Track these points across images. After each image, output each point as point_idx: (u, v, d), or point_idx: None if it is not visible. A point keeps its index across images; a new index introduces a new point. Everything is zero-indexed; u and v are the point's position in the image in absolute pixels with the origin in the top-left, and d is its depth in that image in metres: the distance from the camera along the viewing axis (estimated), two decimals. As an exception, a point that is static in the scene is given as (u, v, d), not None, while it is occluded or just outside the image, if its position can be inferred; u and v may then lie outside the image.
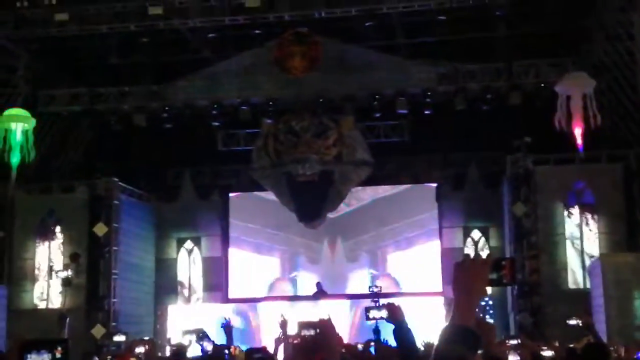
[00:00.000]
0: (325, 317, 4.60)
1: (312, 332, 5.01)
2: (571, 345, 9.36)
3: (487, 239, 21.53)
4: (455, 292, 2.43)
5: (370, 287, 16.60)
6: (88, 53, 20.77)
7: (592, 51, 19.65)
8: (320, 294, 20.44)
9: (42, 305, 20.22)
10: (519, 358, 7.96)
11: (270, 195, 20.86)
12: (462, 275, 2.43)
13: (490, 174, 21.25)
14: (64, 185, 20.81)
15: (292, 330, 6.76)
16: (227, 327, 7.12)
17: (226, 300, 21.88)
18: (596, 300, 16.81)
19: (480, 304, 2.42)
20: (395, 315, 4.56)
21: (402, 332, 4.42)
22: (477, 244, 21.61)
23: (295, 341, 6.67)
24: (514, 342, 10.03)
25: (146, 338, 15.24)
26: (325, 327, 4.19)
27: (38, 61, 20.91)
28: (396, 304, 4.77)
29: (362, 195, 22.03)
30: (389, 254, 21.77)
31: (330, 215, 20.84)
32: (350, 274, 21.73)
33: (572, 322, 10.28)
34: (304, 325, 5.24)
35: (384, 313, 4.81)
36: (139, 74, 20.69)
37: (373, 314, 5.66)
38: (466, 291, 2.41)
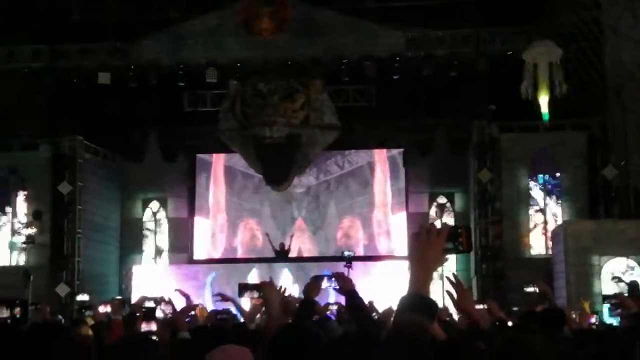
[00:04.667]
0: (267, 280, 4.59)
1: (255, 295, 5.00)
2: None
3: (452, 205, 21.70)
4: (412, 262, 2.46)
5: (343, 252, 16.69)
6: (49, 9, 20.25)
7: (558, 20, 19.69)
8: (284, 255, 20.38)
9: (4, 262, 20.06)
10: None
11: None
12: (418, 246, 2.46)
13: (457, 140, 21.31)
14: (26, 143, 20.50)
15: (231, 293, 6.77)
16: (181, 292, 7.15)
17: (191, 261, 21.86)
18: (558, 266, 17.11)
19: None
20: (343, 286, 4.56)
21: (355, 302, 4.44)
22: (443, 209, 21.76)
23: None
24: (480, 307, 10.09)
25: (119, 297, 15.11)
26: (266, 289, 4.18)
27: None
28: (345, 275, 4.78)
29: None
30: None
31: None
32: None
33: (530, 289, 10.45)
34: (245, 287, 5.23)
35: (333, 283, 4.82)
36: (102, 32, 20.27)
37: (323, 283, 5.60)
38: (423, 261, 2.45)
